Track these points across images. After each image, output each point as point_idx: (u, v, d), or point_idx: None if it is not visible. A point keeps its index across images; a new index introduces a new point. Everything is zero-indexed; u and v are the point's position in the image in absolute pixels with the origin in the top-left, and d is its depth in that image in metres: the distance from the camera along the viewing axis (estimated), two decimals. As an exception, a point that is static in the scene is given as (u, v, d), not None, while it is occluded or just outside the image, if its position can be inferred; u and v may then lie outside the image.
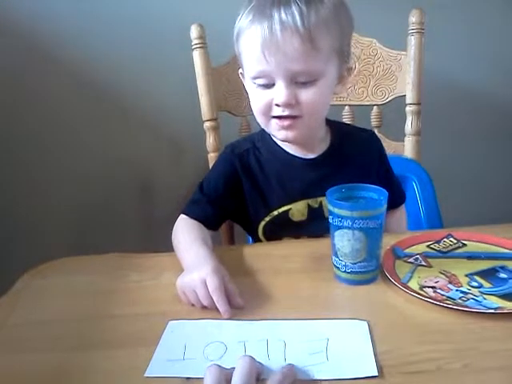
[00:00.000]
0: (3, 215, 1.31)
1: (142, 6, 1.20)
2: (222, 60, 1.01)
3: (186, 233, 0.71)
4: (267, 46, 0.64)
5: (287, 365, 0.44)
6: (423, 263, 0.63)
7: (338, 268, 0.60)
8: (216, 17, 0.97)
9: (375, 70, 1.02)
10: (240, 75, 0.76)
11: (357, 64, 1.02)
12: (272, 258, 0.68)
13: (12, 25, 1.18)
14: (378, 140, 0.85)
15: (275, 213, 0.76)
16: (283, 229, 0.77)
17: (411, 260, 0.64)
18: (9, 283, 0.66)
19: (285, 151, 0.77)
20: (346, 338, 0.49)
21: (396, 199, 0.84)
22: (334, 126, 0.80)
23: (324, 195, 0.60)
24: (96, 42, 1.21)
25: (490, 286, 0.57)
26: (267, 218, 0.77)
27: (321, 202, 0.75)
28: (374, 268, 0.59)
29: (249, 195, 0.77)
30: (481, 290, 0.56)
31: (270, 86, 0.67)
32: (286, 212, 0.76)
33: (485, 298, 0.54)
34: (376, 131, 1.00)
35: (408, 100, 1.01)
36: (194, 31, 0.97)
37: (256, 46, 0.65)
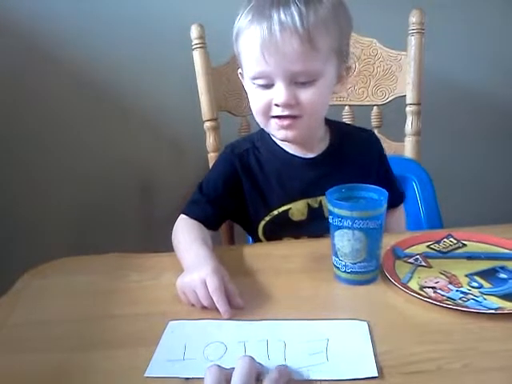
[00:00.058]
0: (3, 215, 1.31)
1: (142, 5, 1.20)
2: (221, 60, 1.01)
3: (186, 233, 0.71)
4: (266, 46, 0.64)
5: (281, 365, 0.44)
6: (423, 263, 0.63)
7: (338, 268, 0.60)
8: (216, 17, 0.97)
9: (375, 70, 1.02)
10: (239, 75, 0.76)
11: (357, 64, 1.02)
12: (272, 258, 0.68)
13: (12, 25, 1.18)
14: (378, 140, 0.85)
15: (275, 212, 0.76)
16: (283, 228, 0.77)
17: (411, 260, 0.64)
18: (9, 283, 0.66)
19: (284, 151, 0.77)
20: (346, 338, 0.49)
21: (395, 199, 0.84)
22: (334, 125, 0.80)
23: (323, 194, 0.60)
24: (96, 41, 1.21)
25: (490, 286, 0.57)
26: (267, 218, 0.77)
27: (321, 202, 0.75)
28: (374, 268, 0.59)
29: (249, 195, 0.77)
30: (481, 290, 0.56)
31: (269, 86, 0.67)
32: (286, 212, 0.76)
33: (485, 299, 0.54)
34: (376, 131, 1.00)
35: (408, 100, 1.01)
36: (194, 31, 0.97)
37: (255, 46, 0.65)
